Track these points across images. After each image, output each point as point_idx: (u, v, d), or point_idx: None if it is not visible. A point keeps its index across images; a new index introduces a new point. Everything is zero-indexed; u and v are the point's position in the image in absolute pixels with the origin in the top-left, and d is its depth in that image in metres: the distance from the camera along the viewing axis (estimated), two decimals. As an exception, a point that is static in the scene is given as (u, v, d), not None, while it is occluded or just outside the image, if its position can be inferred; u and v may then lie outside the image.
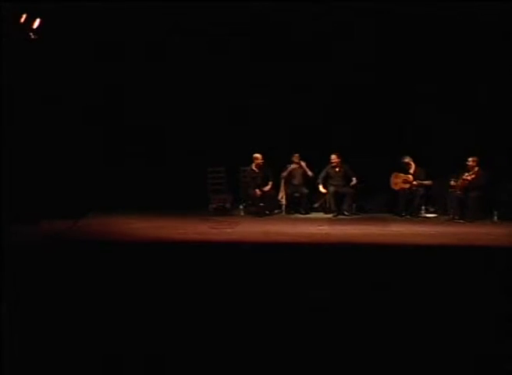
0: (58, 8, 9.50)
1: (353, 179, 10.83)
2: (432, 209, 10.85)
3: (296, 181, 11.08)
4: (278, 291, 5.25)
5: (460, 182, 10.17)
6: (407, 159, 10.73)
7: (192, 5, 10.27)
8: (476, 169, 10.18)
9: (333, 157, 10.89)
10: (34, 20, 9.02)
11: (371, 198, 11.23)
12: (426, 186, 10.58)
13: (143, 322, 4.38)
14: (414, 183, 10.59)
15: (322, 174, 10.99)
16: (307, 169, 11.04)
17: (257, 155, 10.86)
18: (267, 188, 10.90)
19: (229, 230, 9.13)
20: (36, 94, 9.92)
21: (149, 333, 4.17)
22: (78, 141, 10.74)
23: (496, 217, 10.24)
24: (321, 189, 10.91)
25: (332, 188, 10.83)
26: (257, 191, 10.77)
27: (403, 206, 10.70)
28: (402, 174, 10.71)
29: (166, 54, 11.15)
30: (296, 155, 11.06)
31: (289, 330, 4.25)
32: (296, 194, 11.09)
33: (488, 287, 5.39)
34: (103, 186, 10.57)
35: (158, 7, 10.32)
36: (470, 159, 10.17)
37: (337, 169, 10.92)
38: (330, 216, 10.81)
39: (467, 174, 10.20)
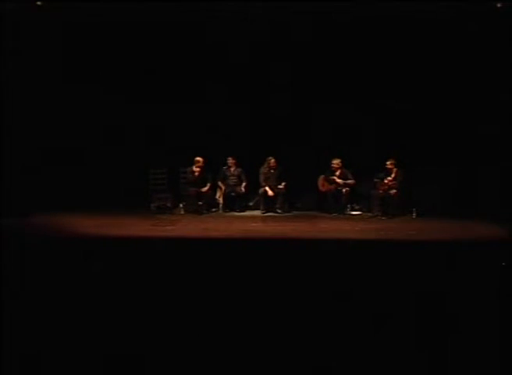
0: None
1: (283, 184, 11.42)
2: (357, 207, 11.39)
3: (232, 182, 11.59)
4: (215, 282, 5.59)
5: (382, 185, 10.84)
6: (336, 161, 11.30)
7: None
8: (394, 170, 10.84)
9: (272, 161, 11.44)
10: None
11: (302, 197, 11.73)
12: (349, 185, 11.18)
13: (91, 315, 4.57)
14: (339, 181, 11.23)
15: (262, 177, 11.50)
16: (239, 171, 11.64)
17: (199, 159, 11.25)
18: (205, 189, 11.31)
19: (170, 228, 9.44)
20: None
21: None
22: (22, 140, 10.69)
23: (414, 214, 10.75)
24: (269, 191, 11.37)
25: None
26: (196, 190, 11.21)
27: (331, 205, 11.23)
28: (331, 177, 11.30)
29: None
30: (231, 159, 11.58)
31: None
32: (233, 194, 11.56)
33: (404, 277, 5.84)
34: (47, 185, 10.63)
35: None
36: (388, 162, 10.82)
37: (272, 171, 11.48)
38: (262, 213, 11.29)
39: (389, 178, 10.83)
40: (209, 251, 7.41)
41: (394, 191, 10.78)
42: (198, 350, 4.03)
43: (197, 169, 11.32)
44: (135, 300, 4.99)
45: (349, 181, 11.22)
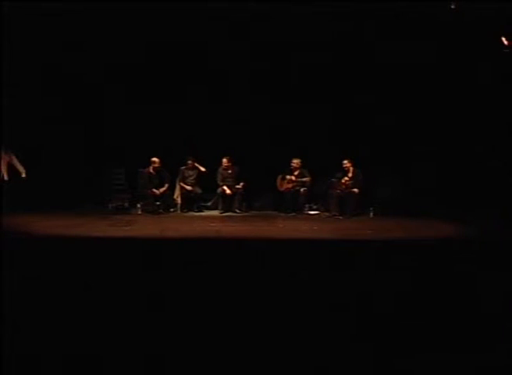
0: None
1: (241, 183, 11.49)
2: (314, 207, 11.53)
3: (190, 182, 11.59)
4: (171, 282, 5.59)
5: (340, 185, 10.97)
6: (296, 161, 11.40)
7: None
8: (351, 169, 11.00)
9: (224, 161, 11.51)
10: None
11: (260, 197, 11.82)
12: (304, 183, 11.27)
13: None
14: (293, 177, 11.31)
15: (219, 177, 11.55)
16: (200, 166, 11.57)
17: (155, 159, 11.23)
18: (162, 189, 11.27)
19: (127, 228, 9.33)
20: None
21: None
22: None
23: (371, 214, 10.97)
24: (227, 190, 11.45)
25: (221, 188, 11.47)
26: (154, 190, 11.16)
27: (289, 204, 11.30)
28: (286, 176, 11.37)
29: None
30: (190, 161, 11.55)
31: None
32: (191, 194, 11.59)
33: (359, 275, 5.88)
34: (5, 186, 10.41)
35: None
36: (345, 161, 10.97)
37: (229, 171, 11.53)
38: (220, 213, 11.34)
39: (346, 178, 10.99)
40: (166, 251, 7.30)
41: (352, 190, 10.89)
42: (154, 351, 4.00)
43: (154, 169, 11.29)
44: (92, 300, 4.95)
45: (304, 179, 11.30)
